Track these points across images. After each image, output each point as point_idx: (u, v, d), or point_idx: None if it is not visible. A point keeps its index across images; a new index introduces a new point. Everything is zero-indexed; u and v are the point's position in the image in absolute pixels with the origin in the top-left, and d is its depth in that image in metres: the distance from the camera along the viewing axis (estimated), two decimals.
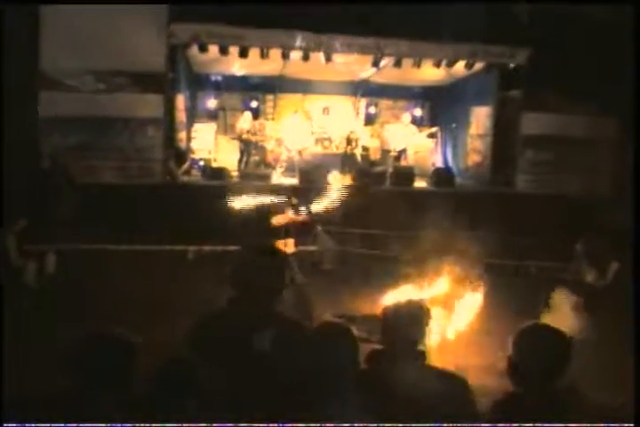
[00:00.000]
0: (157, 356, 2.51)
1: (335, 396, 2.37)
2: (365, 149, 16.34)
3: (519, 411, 2.54)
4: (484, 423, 2.47)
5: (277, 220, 7.35)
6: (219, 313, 2.92)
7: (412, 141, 15.59)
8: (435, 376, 2.82)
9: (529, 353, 2.62)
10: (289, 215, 7.47)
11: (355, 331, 6.88)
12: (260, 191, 12.59)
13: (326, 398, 2.36)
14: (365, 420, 2.34)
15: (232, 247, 10.56)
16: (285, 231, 7.51)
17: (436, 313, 7.56)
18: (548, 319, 7.36)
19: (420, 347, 2.93)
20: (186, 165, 14.26)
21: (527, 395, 2.59)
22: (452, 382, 2.82)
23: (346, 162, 15.58)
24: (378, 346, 6.75)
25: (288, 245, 7.49)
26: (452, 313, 7.53)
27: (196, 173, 14.52)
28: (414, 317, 2.97)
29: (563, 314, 7.35)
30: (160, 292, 8.17)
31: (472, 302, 7.62)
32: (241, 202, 12.19)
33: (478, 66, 13.84)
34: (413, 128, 15.69)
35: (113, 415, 2.28)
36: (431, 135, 16.44)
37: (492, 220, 11.09)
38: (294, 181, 13.93)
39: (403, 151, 15.51)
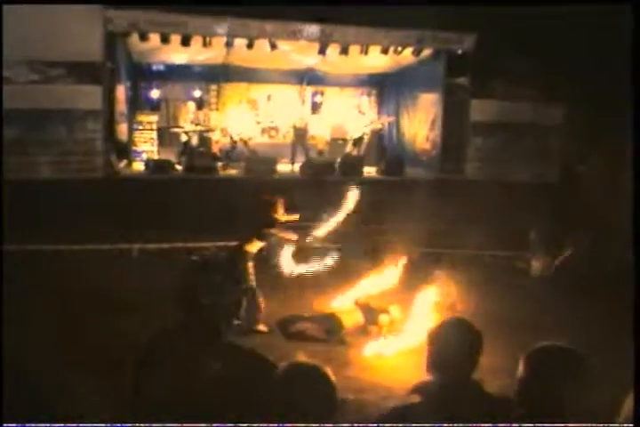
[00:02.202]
0: None
1: None
2: (313, 138, 16.05)
3: None
4: (484, 423, 2.36)
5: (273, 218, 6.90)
6: (164, 340, 2.56)
7: (366, 129, 15.34)
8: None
9: (544, 377, 2.43)
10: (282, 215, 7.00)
11: (312, 331, 6.66)
12: (206, 184, 12.24)
13: None
14: None
15: (179, 244, 10.30)
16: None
17: (391, 308, 7.41)
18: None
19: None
20: (128, 158, 13.80)
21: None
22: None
23: (294, 152, 15.28)
24: (335, 346, 6.55)
25: (253, 245, 7.10)
26: (408, 308, 7.34)
27: (138, 165, 14.03)
28: (467, 341, 2.71)
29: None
30: (103, 293, 7.78)
31: (427, 294, 7.42)
32: (187, 196, 11.79)
33: (426, 52, 13.65)
34: (369, 116, 15.48)
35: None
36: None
37: (443, 208, 10.98)
38: (240, 172, 13.60)
39: (359, 139, 15.24)
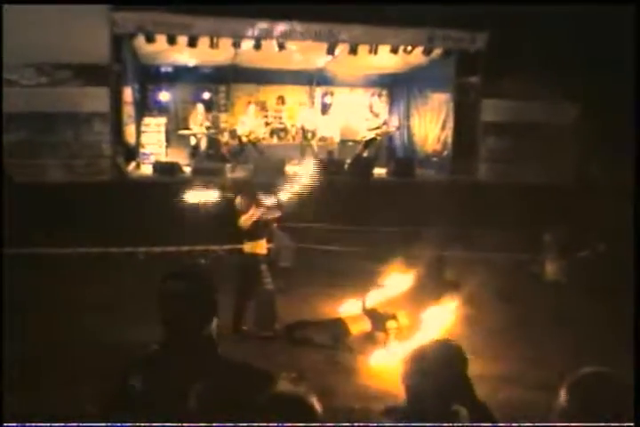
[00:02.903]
0: None
1: None
2: (323, 139, 15.90)
3: None
4: (484, 423, 2.29)
5: (246, 218, 6.76)
6: (145, 362, 2.37)
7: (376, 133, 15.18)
8: None
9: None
10: (256, 212, 6.84)
11: (318, 337, 6.51)
12: (213, 186, 12.12)
13: None
14: None
15: (185, 248, 10.19)
16: (254, 231, 6.93)
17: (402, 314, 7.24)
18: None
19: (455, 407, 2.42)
20: (136, 161, 13.70)
21: None
22: None
23: (303, 153, 15.15)
24: (342, 353, 6.39)
25: (259, 246, 6.97)
26: (419, 314, 7.17)
27: (146, 168, 13.93)
28: (448, 366, 2.42)
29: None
30: (111, 296, 7.68)
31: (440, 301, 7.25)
32: (195, 198, 11.68)
33: (437, 52, 13.47)
34: (382, 118, 15.32)
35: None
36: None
37: (454, 210, 10.80)
38: (249, 174, 13.47)
39: (371, 141, 15.05)
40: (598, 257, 9.55)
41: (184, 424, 2.10)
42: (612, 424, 2.22)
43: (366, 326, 7.07)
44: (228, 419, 2.07)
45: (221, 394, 2.20)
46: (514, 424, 2.31)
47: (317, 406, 2.05)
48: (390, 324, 6.99)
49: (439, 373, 2.37)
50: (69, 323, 6.86)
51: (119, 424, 2.14)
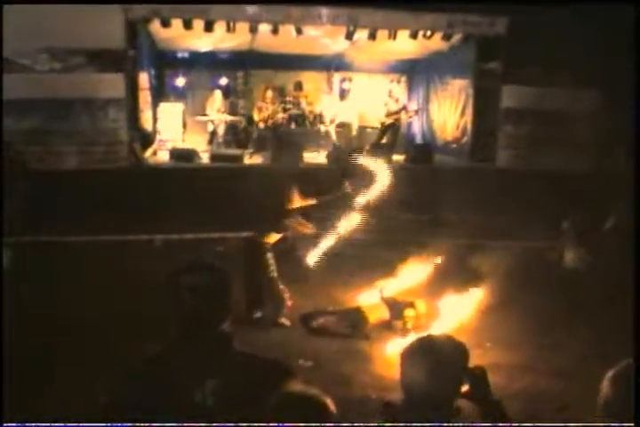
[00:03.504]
0: None
1: None
2: (341, 125, 15.76)
3: None
4: (484, 423, 2.23)
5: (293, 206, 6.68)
6: (153, 360, 2.29)
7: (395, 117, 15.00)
8: None
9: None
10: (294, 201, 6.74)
11: (335, 326, 6.44)
12: (231, 173, 12.06)
13: None
14: None
15: (204, 235, 10.13)
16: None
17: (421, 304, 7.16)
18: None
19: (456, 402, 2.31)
20: (153, 147, 13.65)
21: None
22: None
23: (321, 139, 15.03)
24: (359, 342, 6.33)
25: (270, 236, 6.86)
26: (436, 301, 7.09)
27: (164, 155, 13.88)
28: (446, 361, 2.30)
29: None
30: (128, 286, 7.62)
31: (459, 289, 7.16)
32: (212, 185, 11.62)
33: (456, 37, 13.30)
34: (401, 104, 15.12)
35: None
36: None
37: (472, 198, 10.68)
38: (266, 160, 13.40)
39: (390, 127, 14.89)
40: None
41: (184, 424, 2.06)
42: (612, 424, 2.23)
43: (384, 314, 6.99)
44: (244, 417, 2.01)
45: (237, 390, 2.13)
46: (514, 424, 2.24)
47: (331, 407, 1.98)
48: (408, 312, 6.91)
49: (439, 368, 2.26)
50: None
51: (119, 424, 2.12)
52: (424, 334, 2.54)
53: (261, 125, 14.61)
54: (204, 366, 2.19)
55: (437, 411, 2.23)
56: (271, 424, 1.97)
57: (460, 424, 2.22)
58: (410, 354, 2.34)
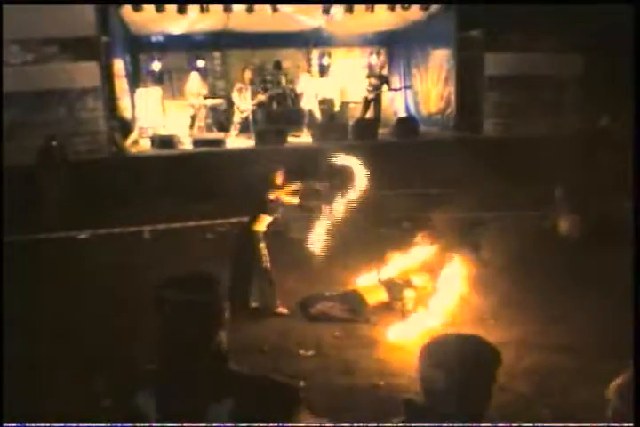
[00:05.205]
0: None
1: None
2: (323, 101, 15.52)
3: None
4: (485, 423, 2.08)
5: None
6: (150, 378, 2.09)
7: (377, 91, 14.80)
8: None
9: None
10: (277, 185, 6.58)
11: (335, 311, 6.31)
12: (214, 158, 11.87)
13: None
14: None
15: (192, 223, 9.98)
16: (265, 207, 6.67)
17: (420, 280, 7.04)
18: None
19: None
20: (134, 135, 13.39)
21: None
22: None
23: (304, 117, 14.82)
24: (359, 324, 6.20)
25: (260, 223, 6.68)
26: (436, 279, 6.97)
27: (145, 142, 13.64)
28: (475, 366, 2.03)
29: None
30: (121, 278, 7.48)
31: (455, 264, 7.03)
32: (196, 171, 11.43)
33: (435, 6, 13.05)
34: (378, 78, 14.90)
35: None
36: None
37: (461, 169, 10.57)
38: (250, 143, 13.20)
39: (373, 100, 14.68)
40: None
41: (184, 424, 1.99)
42: (612, 424, 2.30)
43: (383, 296, 6.87)
44: None
45: (241, 414, 1.97)
46: (514, 424, 2.16)
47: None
48: (407, 293, 6.80)
49: (469, 377, 2.02)
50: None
51: (119, 424, 2.09)
52: (450, 332, 2.32)
53: (243, 107, 14.35)
54: (196, 389, 2.00)
55: (464, 418, 2.05)
56: (271, 424, 1.95)
57: (460, 424, 2.03)
58: (434, 353, 2.07)
